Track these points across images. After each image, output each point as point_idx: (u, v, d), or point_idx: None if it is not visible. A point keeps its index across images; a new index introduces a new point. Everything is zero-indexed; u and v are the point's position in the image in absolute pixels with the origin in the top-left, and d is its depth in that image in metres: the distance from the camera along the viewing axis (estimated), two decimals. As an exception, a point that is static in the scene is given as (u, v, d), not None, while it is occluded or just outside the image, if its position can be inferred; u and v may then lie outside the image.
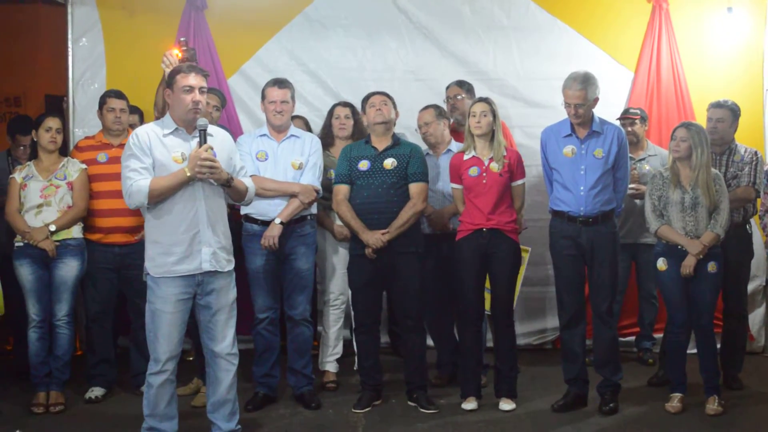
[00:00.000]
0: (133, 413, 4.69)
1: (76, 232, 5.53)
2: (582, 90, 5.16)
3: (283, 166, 5.46)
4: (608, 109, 6.05)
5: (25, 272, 5.43)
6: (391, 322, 6.68)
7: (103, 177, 5.57)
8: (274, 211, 5.37)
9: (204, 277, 4.43)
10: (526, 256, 5.76)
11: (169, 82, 4.49)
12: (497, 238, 5.30)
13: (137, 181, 4.31)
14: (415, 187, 5.35)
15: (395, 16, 6.95)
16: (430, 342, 5.90)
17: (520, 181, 5.45)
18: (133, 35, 6.79)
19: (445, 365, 5.98)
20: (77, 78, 6.83)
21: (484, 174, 5.32)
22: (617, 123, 5.89)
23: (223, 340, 4.52)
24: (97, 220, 5.59)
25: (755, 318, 6.79)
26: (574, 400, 5.39)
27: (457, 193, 5.49)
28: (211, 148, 4.33)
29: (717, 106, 5.76)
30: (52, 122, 5.56)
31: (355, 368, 5.86)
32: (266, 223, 5.37)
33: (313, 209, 5.56)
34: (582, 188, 5.25)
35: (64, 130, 5.83)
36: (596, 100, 5.24)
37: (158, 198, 4.34)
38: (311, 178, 5.47)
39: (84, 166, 5.61)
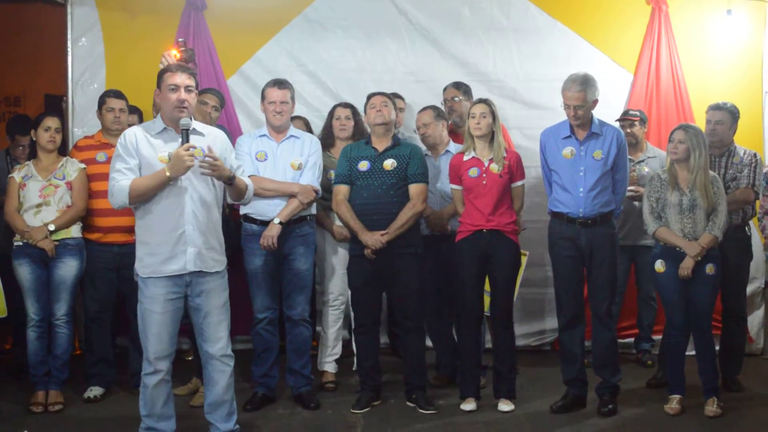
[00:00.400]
0: (132, 413, 4.70)
1: (75, 231, 5.54)
2: (581, 91, 5.17)
3: (283, 166, 5.46)
4: (607, 110, 6.06)
5: (24, 271, 5.43)
6: (390, 322, 6.68)
7: (102, 177, 5.51)
8: (273, 211, 5.37)
9: (192, 277, 4.42)
10: (524, 260, 5.76)
11: (158, 81, 4.50)
12: (497, 239, 5.30)
13: (119, 181, 4.33)
14: (414, 188, 5.35)
15: (395, 18, 6.95)
16: (429, 343, 5.90)
17: (519, 182, 5.45)
18: (132, 35, 6.78)
19: (444, 366, 5.99)
20: (76, 78, 6.82)
21: (484, 175, 5.32)
22: (616, 125, 5.88)
23: (217, 342, 4.51)
24: (96, 219, 5.60)
25: (754, 320, 6.80)
26: (572, 402, 5.40)
27: (456, 194, 5.49)
28: (194, 147, 4.31)
29: (716, 108, 5.77)
30: (51, 122, 5.57)
31: (354, 369, 5.86)
32: (265, 223, 5.37)
33: (313, 209, 5.56)
34: (581, 190, 5.25)
35: (63, 129, 5.83)
36: (595, 101, 5.24)
37: (139, 198, 4.34)
38: (310, 178, 5.47)
39: (83, 165, 5.61)
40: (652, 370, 6.12)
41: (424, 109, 5.95)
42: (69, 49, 6.81)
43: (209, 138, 4.52)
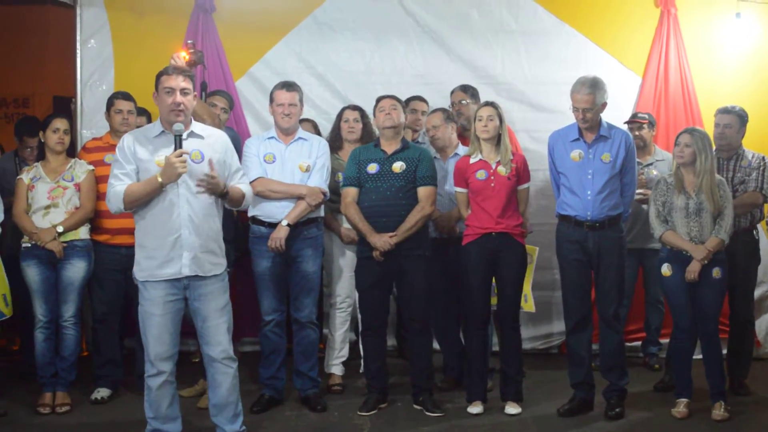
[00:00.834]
0: (139, 414, 4.70)
1: (83, 233, 5.54)
2: (590, 94, 5.16)
3: (291, 168, 5.46)
4: (616, 113, 6.04)
5: (32, 273, 5.45)
6: (398, 325, 6.68)
7: (111, 178, 5.58)
8: (281, 213, 5.37)
9: (190, 281, 4.42)
10: (534, 255, 5.76)
11: (155, 84, 4.51)
12: (506, 241, 5.30)
13: (115, 186, 4.36)
14: (423, 191, 5.35)
15: (403, 20, 6.94)
16: (436, 345, 5.90)
17: (525, 185, 5.45)
18: (141, 37, 6.79)
19: (451, 369, 5.99)
20: (85, 79, 6.83)
21: (492, 177, 5.31)
22: (625, 127, 5.87)
23: (218, 345, 4.51)
24: (105, 221, 5.60)
25: (762, 324, 6.78)
26: (580, 405, 5.39)
27: (461, 197, 5.48)
28: (187, 153, 4.31)
29: (725, 111, 5.76)
30: (60, 123, 5.58)
31: (360, 371, 5.85)
32: (273, 226, 5.38)
33: (321, 212, 5.56)
34: (589, 193, 5.24)
35: (72, 131, 5.85)
36: (604, 104, 5.24)
37: (134, 204, 4.36)
38: (318, 180, 5.47)
39: (91, 167, 5.62)
40: (660, 374, 6.11)
41: (434, 111, 5.95)
42: (78, 51, 6.82)
43: (209, 140, 4.52)
